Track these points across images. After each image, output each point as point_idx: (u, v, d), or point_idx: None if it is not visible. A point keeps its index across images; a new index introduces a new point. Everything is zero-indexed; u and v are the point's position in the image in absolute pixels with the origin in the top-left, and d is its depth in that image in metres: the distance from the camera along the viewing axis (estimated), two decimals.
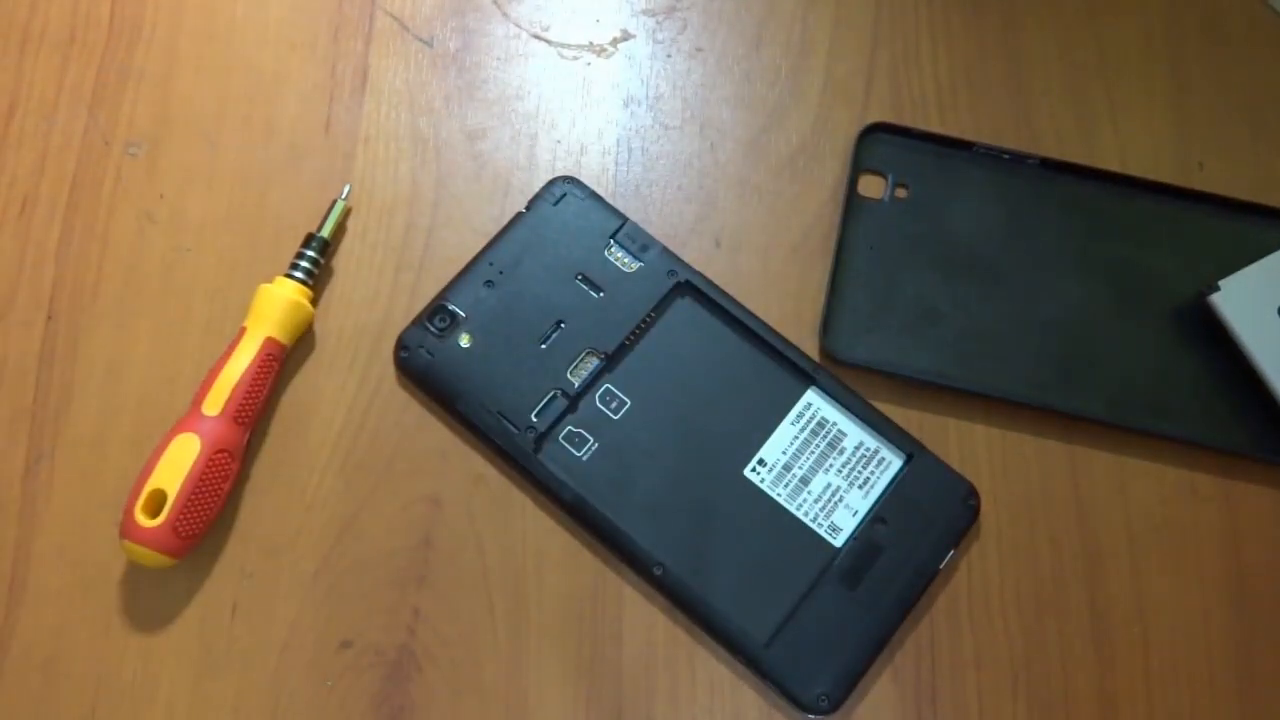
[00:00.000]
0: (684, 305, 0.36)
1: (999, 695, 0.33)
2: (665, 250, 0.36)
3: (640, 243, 0.36)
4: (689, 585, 0.33)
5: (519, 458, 0.34)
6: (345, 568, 0.33)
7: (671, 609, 0.33)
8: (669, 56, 0.40)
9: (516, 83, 0.40)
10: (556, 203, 0.37)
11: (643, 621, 0.33)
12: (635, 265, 0.36)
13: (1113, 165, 0.39)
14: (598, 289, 0.36)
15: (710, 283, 0.36)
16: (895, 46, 0.41)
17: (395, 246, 0.37)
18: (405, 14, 0.40)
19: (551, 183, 0.37)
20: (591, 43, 0.40)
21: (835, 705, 0.32)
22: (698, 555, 0.33)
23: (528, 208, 0.37)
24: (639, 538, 0.33)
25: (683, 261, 0.36)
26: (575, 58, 0.40)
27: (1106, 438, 0.36)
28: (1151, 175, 0.39)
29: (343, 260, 0.37)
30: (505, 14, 0.41)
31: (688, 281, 0.36)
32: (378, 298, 0.36)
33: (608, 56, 0.40)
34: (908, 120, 0.39)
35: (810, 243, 0.38)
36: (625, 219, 0.37)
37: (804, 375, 0.35)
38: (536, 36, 0.40)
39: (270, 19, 0.40)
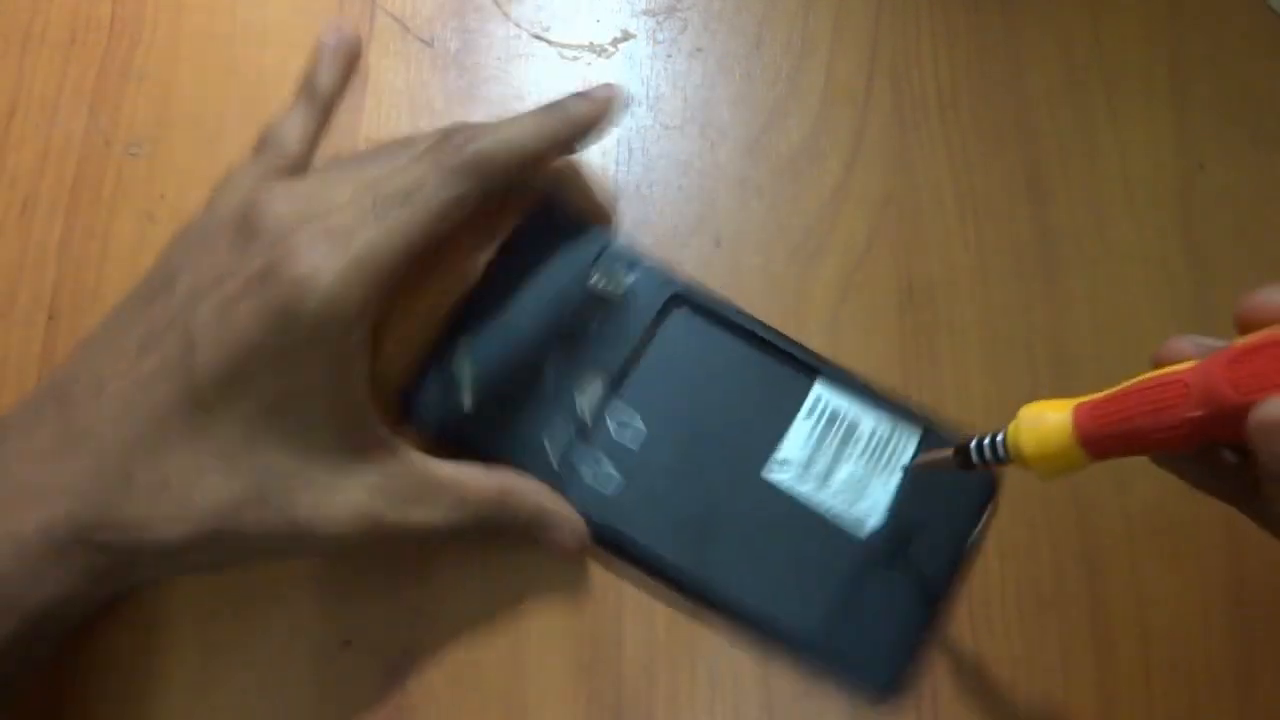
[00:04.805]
0: (680, 318, 0.35)
1: (999, 695, 0.33)
2: (651, 265, 0.36)
3: (625, 261, 0.35)
4: (734, 595, 0.33)
5: None
6: (346, 568, 0.33)
7: (671, 610, 0.33)
8: (669, 57, 0.40)
9: (517, 83, 0.40)
10: (533, 239, 0.35)
11: (643, 622, 0.33)
12: (625, 284, 0.35)
13: (1113, 165, 0.39)
14: (591, 318, 0.35)
15: (703, 289, 0.36)
16: (895, 46, 0.41)
17: None
18: (406, 14, 0.40)
19: (522, 220, 0.36)
20: (592, 43, 0.41)
21: (899, 685, 0.32)
22: (736, 564, 0.33)
23: (503, 249, 0.35)
24: (679, 558, 0.33)
25: (670, 273, 0.36)
26: (575, 58, 0.40)
27: None
28: (1151, 175, 0.39)
29: None
30: (506, 14, 0.41)
31: (679, 293, 0.35)
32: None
33: (608, 57, 0.40)
34: (909, 120, 0.39)
35: (811, 243, 0.38)
36: (607, 241, 0.36)
37: (809, 369, 0.35)
38: (537, 37, 0.41)
39: (271, 19, 0.40)
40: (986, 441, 0.28)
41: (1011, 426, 0.28)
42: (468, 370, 0.34)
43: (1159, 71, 0.41)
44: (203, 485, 0.27)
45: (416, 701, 0.32)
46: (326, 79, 0.34)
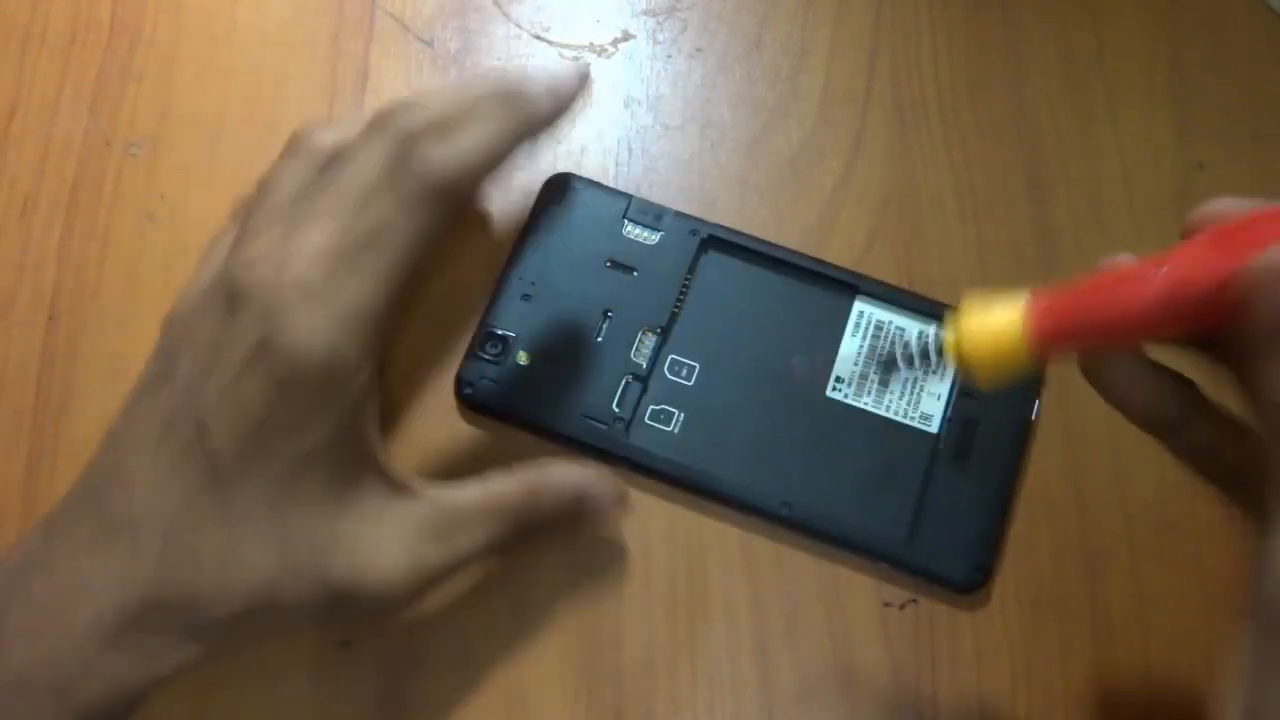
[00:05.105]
0: (715, 258, 0.37)
1: (999, 695, 0.33)
2: (678, 213, 0.37)
3: (652, 213, 0.37)
4: (818, 512, 0.34)
5: (615, 450, 0.34)
6: None
7: (671, 608, 0.33)
8: (669, 57, 0.41)
9: None
10: (560, 201, 0.37)
11: (642, 621, 0.33)
12: (656, 236, 0.37)
13: (1113, 165, 0.39)
14: (630, 269, 0.36)
15: (731, 230, 0.37)
16: (895, 46, 0.41)
17: None
18: (406, 15, 0.40)
19: (549, 183, 0.37)
20: (592, 43, 0.41)
21: (988, 575, 0.33)
22: (814, 483, 0.34)
23: (533, 214, 0.37)
24: (753, 486, 0.34)
25: (698, 218, 0.37)
26: (575, 58, 0.40)
27: (1105, 438, 0.36)
28: (1151, 175, 0.39)
29: None
30: (506, 14, 0.41)
31: (711, 235, 0.37)
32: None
33: (608, 57, 0.40)
34: (909, 120, 0.39)
35: (811, 242, 0.38)
36: (630, 195, 0.37)
37: (847, 288, 0.36)
38: (537, 37, 0.41)
39: (270, 20, 0.40)
40: (914, 341, 0.26)
41: (952, 319, 0.26)
42: (516, 344, 0.35)
43: (1159, 71, 0.41)
44: (239, 562, 0.27)
45: (416, 701, 0.32)
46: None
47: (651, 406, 0.35)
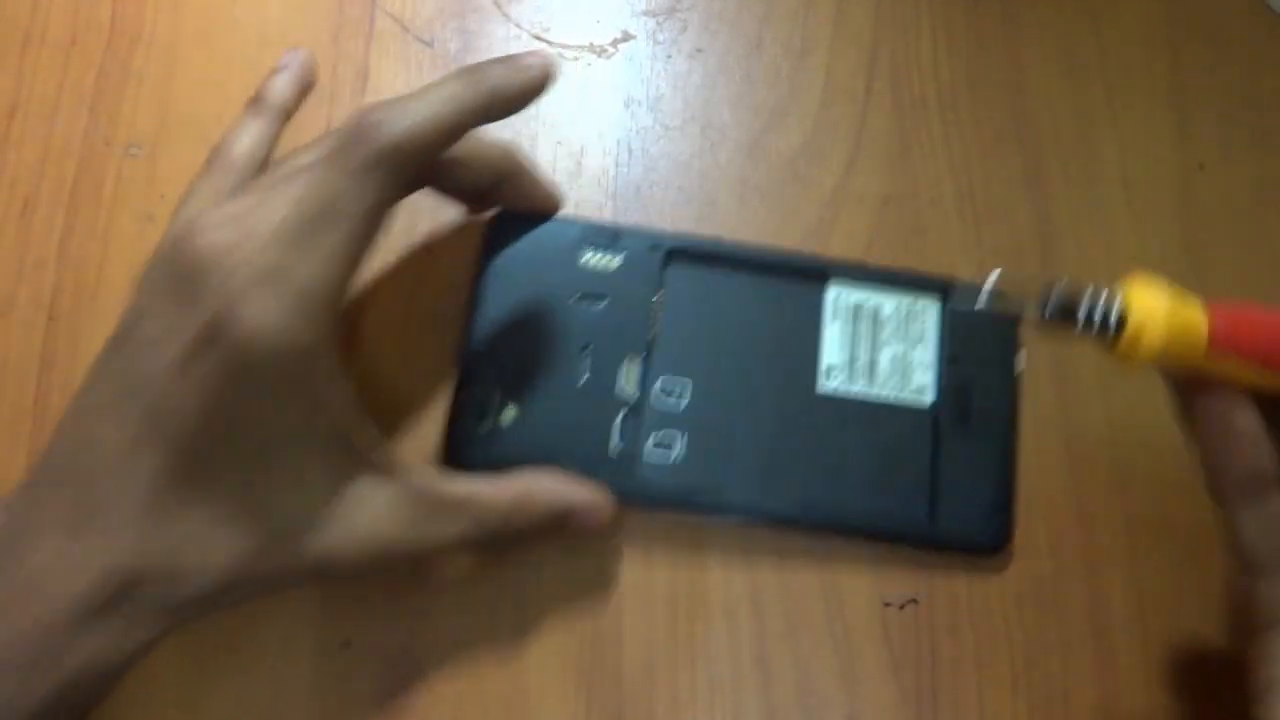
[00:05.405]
0: (681, 270, 0.36)
1: (999, 695, 0.33)
2: (634, 231, 0.36)
3: (608, 235, 0.36)
4: (837, 507, 0.34)
5: (625, 489, 0.33)
6: None
7: (671, 608, 0.33)
8: (669, 57, 0.41)
9: None
10: (507, 245, 0.35)
11: (643, 622, 0.33)
12: (617, 258, 0.35)
13: (1113, 165, 0.39)
14: (598, 298, 0.35)
15: (691, 238, 0.36)
16: (895, 46, 0.41)
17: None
18: (406, 15, 0.40)
19: (489, 230, 0.36)
20: (592, 43, 0.41)
21: (1011, 532, 0.34)
22: (827, 480, 0.34)
23: (484, 262, 0.35)
24: (769, 496, 0.34)
25: (655, 232, 0.36)
26: (575, 58, 0.40)
27: (1105, 439, 0.36)
28: (1151, 175, 0.39)
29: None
30: (506, 15, 0.41)
31: (673, 248, 0.36)
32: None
33: (608, 57, 0.40)
34: (909, 120, 0.39)
35: (811, 243, 0.38)
36: (579, 221, 0.36)
37: (818, 275, 0.36)
38: (537, 37, 0.41)
39: (270, 20, 0.40)
40: (1099, 306, 0.25)
41: (1128, 289, 0.25)
42: (499, 402, 0.34)
43: (1159, 71, 0.41)
44: (215, 542, 0.27)
45: (416, 701, 0.32)
46: (279, 92, 0.34)
47: (652, 434, 0.34)
